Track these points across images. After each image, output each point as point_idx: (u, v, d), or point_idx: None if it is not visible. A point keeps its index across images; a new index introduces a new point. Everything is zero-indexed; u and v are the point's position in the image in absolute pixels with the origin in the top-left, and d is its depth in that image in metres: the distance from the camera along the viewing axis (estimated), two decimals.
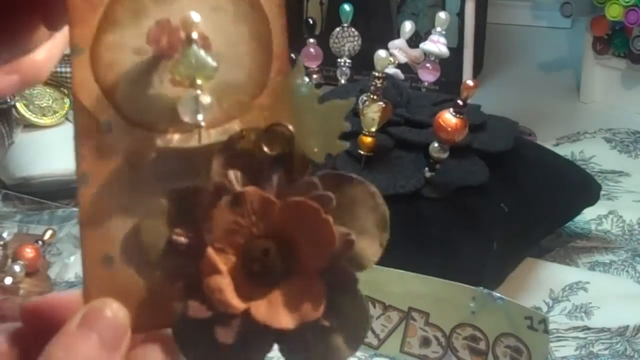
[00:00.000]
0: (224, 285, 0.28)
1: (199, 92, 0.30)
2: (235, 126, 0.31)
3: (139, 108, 0.31)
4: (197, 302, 0.28)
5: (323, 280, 0.29)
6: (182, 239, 0.29)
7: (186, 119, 0.30)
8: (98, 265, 0.30)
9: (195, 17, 0.30)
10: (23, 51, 0.33)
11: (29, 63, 0.34)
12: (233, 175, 0.29)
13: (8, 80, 0.34)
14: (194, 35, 0.30)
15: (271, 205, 0.29)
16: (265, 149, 0.29)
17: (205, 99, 0.30)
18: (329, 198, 0.29)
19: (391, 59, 0.73)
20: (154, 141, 0.31)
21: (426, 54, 0.75)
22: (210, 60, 0.30)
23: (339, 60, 0.78)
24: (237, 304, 0.28)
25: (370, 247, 0.30)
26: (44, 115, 0.84)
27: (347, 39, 0.77)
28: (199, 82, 0.30)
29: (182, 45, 0.30)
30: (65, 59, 0.88)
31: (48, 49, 0.34)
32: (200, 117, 0.30)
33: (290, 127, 0.29)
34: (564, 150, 0.90)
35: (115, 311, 0.29)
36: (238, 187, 0.29)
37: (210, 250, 0.28)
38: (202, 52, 0.30)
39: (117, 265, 0.30)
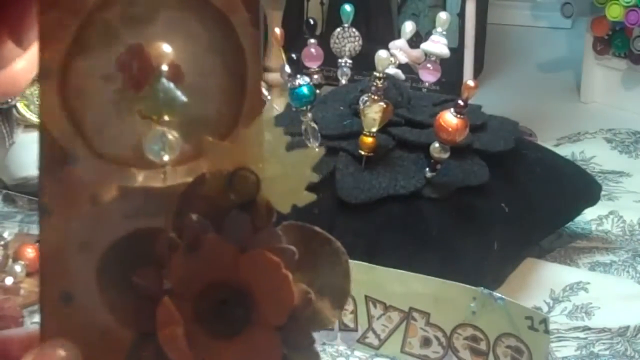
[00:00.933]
0: (178, 335, 0.27)
1: (165, 129, 0.28)
2: (202, 165, 0.29)
3: (106, 140, 0.29)
4: (150, 350, 0.28)
5: (280, 336, 0.28)
6: (141, 282, 0.28)
7: (151, 157, 0.28)
8: (56, 302, 0.29)
9: (167, 48, 0.29)
10: None
11: (5, 74, 0.32)
12: (195, 219, 0.27)
13: None
14: (164, 67, 0.28)
15: (231, 254, 0.27)
16: (230, 194, 0.28)
17: (172, 138, 0.28)
18: (292, 252, 0.28)
19: (392, 59, 0.73)
20: (120, 176, 0.29)
21: (427, 55, 0.75)
22: (179, 95, 0.28)
23: (339, 60, 0.78)
24: (190, 355, 0.27)
25: (330, 306, 0.29)
26: None
27: (347, 39, 0.77)
28: (166, 118, 0.28)
29: (153, 75, 0.28)
30: None
31: (28, 59, 0.32)
32: (166, 157, 0.28)
33: (257, 173, 0.28)
34: (565, 151, 0.90)
35: (68, 351, 0.28)
36: (199, 233, 0.27)
37: (166, 298, 0.27)
38: (171, 86, 0.28)
39: (76, 304, 0.29)
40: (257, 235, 0.28)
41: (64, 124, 0.29)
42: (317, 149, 0.29)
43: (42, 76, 0.29)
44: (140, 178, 0.29)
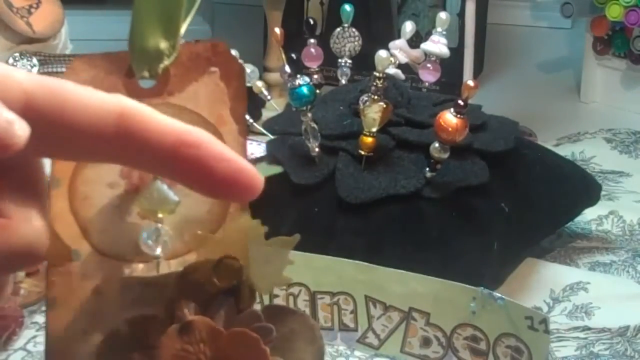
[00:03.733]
0: None
1: (159, 225, 0.32)
2: (193, 258, 0.33)
3: (108, 240, 0.33)
4: None
5: None
6: None
7: (146, 250, 0.32)
8: None
9: None
10: None
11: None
12: (185, 304, 0.31)
13: None
14: None
15: (218, 334, 0.30)
16: (216, 280, 0.31)
17: (165, 232, 0.32)
18: (270, 329, 0.31)
19: (392, 59, 0.74)
20: (120, 270, 0.32)
21: (427, 54, 0.75)
22: (172, 195, 0.32)
23: (339, 60, 0.78)
24: None
25: None
26: None
27: (347, 39, 0.77)
28: (160, 215, 0.32)
29: (150, 179, 0.32)
30: (66, 59, 0.88)
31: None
32: (159, 249, 0.32)
33: (240, 261, 0.31)
34: (565, 151, 0.90)
35: None
36: (188, 316, 0.30)
37: None
38: (164, 187, 0.31)
39: None
40: (240, 316, 0.31)
41: (71, 225, 0.32)
42: (293, 237, 0.32)
43: (53, 185, 0.32)
44: (138, 271, 0.33)
